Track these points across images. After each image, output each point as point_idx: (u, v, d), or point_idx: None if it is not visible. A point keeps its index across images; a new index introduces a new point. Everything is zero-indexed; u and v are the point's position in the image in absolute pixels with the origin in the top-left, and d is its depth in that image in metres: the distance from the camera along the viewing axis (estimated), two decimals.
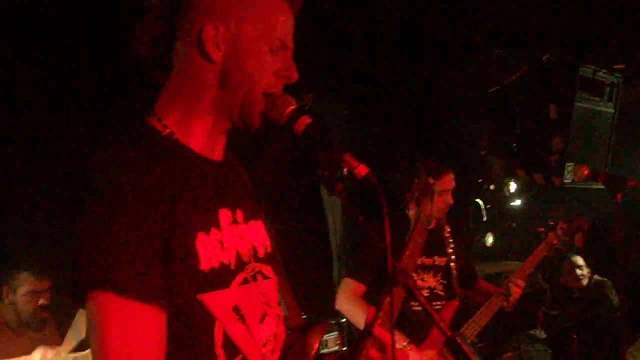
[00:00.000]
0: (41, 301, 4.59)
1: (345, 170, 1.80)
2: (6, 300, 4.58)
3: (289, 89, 1.95)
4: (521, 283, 4.80)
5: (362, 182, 1.77)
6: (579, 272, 7.47)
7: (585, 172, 4.24)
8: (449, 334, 1.84)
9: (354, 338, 5.64)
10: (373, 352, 2.04)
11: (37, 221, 4.75)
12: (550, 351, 7.31)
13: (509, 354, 7.28)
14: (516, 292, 4.76)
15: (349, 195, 1.83)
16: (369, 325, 2.03)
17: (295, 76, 1.94)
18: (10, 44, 4.47)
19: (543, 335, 7.47)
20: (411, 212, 4.55)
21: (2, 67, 4.53)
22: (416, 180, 4.33)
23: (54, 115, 4.86)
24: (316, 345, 2.07)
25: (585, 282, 7.46)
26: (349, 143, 6.83)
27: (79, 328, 4.35)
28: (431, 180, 4.11)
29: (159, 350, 1.65)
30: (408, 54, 6.10)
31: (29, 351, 4.16)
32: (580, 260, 7.51)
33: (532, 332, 7.50)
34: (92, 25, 4.34)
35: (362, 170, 1.79)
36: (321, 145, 1.82)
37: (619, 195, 4.06)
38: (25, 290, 4.55)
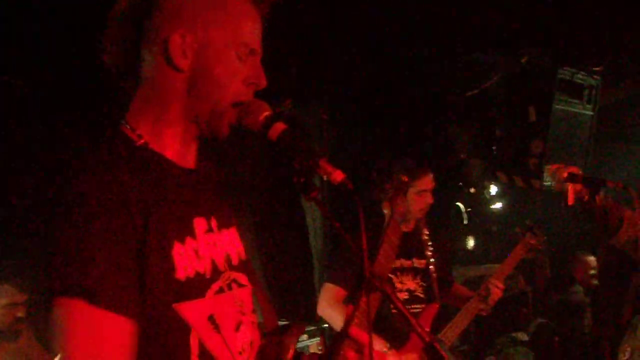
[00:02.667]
0: (19, 313, 4.58)
1: (323, 175, 1.80)
2: None
3: (267, 94, 1.93)
4: (500, 285, 4.81)
5: (338, 188, 1.77)
6: (591, 272, 7.58)
7: (564, 174, 4.24)
8: (427, 339, 1.83)
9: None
10: (350, 353, 2.03)
11: (15, 232, 4.72)
12: (532, 354, 7.33)
13: (492, 357, 7.30)
14: (495, 293, 4.77)
15: (325, 201, 1.83)
16: (345, 326, 2.02)
17: (264, 83, 1.92)
18: None
19: (525, 337, 7.49)
20: (386, 212, 4.53)
21: None
22: (390, 179, 4.32)
23: (32, 123, 4.83)
24: (292, 347, 2.06)
25: (595, 282, 7.56)
26: (327, 147, 6.83)
27: None
28: (404, 178, 4.11)
29: None
30: (387, 57, 6.10)
31: None
32: (592, 262, 7.62)
33: (514, 334, 7.52)
34: (63, 29, 4.32)
35: (338, 176, 1.78)
36: (296, 152, 1.81)
37: (597, 197, 4.07)
38: (5, 303, 4.55)
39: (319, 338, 5.70)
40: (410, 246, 4.62)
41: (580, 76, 6.54)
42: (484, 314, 4.84)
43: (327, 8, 5.02)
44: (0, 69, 4.63)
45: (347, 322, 2.06)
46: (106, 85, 1.97)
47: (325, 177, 1.81)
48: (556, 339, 7.11)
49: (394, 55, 6.05)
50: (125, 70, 1.90)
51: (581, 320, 7.40)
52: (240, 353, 1.91)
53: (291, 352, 2.06)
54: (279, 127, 1.83)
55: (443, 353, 1.81)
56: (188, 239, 1.80)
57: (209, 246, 1.88)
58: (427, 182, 4.62)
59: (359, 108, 6.96)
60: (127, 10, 1.86)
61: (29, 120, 4.86)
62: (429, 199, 4.62)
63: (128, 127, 1.86)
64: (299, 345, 5.08)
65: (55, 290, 1.59)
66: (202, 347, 1.78)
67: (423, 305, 4.63)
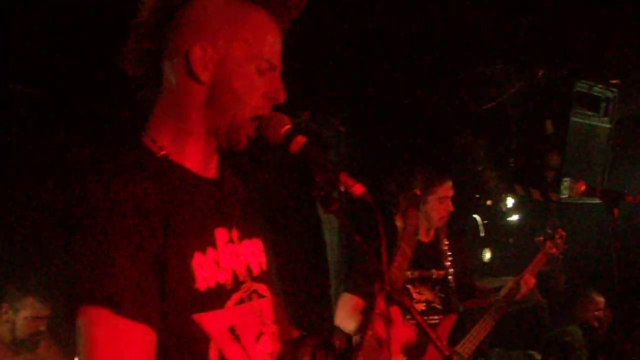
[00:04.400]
0: (41, 327, 4.60)
1: (341, 188, 1.81)
2: (3, 317, 4.58)
3: (284, 107, 1.94)
4: (532, 277, 4.80)
5: (358, 202, 1.78)
6: (596, 313, 7.39)
7: (582, 187, 4.23)
8: (446, 353, 1.83)
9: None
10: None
11: (48, 247, 4.73)
12: None
13: None
14: (529, 282, 4.76)
15: (345, 214, 1.84)
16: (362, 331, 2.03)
17: (283, 97, 1.93)
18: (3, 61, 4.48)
19: (539, 357, 7.41)
20: (398, 224, 4.52)
21: None
22: (403, 192, 4.32)
23: (51, 134, 4.86)
24: (307, 358, 2.06)
25: (596, 324, 7.38)
26: (344, 159, 6.83)
27: None
28: (417, 192, 4.12)
29: None
30: (403, 69, 6.10)
31: None
32: (601, 303, 7.42)
33: (529, 352, 7.45)
34: (83, 41, 4.35)
35: (358, 189, 1.79)
36: (317, 165, 1.82)
37: (616, 211, 4.05)
38: (28, 315, 4.57)
39: None
40: (429, 257, 4.62)
41: (597, 89, 6.52)
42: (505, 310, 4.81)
43: (345, 20, 5.03)
44: (14, 77, 4.67)
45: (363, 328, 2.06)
46: (127, 95, 1.99)
47: (343, 190, 1.82)
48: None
49: (411, 68, 6.05)
50: (145, 80, 1.93)
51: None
52: None
53: None
54: (300, 140, 1.85)
55: None
56: (209, 250, 1.82)
57: (230, 256, 1.89)
58: (448, 188, 4.62)
59: (376, 120, 6.96)
60: (149, 21, 1.88)
61: (48, 132, 4.89)
62: (449, 207, 4.62)
63: (149, 138, 1.88)
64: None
65: (79, 299, 1.60)
66: (221, 357, 1.79)
67: (440, 317, 4.62)
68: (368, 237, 1.83)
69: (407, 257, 3.82)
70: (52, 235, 4.55)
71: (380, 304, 1.91)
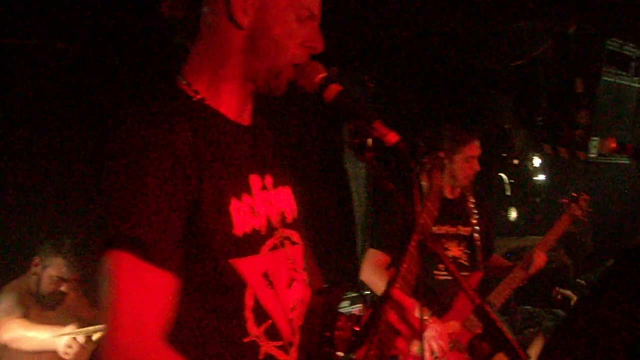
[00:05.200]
0: (63, 288, 4.64)
1: (370, 140, 1.80)
2: (33, 270, 4.63)
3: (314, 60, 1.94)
4: (543, 254, 4.79)
5: (392, 150, 1.78)
6: None
7: (612, 144, 4.16)
8: (477, 301, 1.84)
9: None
10: (392, 316, 2.05)
11: (85, 212, 4.77)
12: None
13: (531, 329, 7.27)
14: (538, 262, 4.74)
15: (378, 163, 1.84)
16: (387, 287, 2.04)
17: (321, 47, 1.93)
18: (34, 13, 4.49)
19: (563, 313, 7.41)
20: (424, 183, 4.51)
21: (25, 37, 4.56)
22: (428, 154, 4.31)
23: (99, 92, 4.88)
24: (336, 307, 2.08)
25: None
26: None
27: None
28: (441, 154, 4.11)
29: (165, 318, 1.65)
30: (433, 26, 6.06)
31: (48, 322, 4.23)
32: None
33: (554, 310, 7.45)
34: None
35: (392, 137, 1.79)
36: (351, 113, 1.82)
37: None
38: (53, 274, 4.60)
39: (361, 305, 5.70)
40: (455, 213, 4.62)
41: (628, 48, 6.45)
42: (523, 283, 4.81)
43: None
44: (45, 28, 4.67)
45: (390, 284, 2.07)
46: (164, 39, 1.98)
47: (372, 141, 1.81)
48: None
49: (441, 24, 6.01)
50: (184, 24, 1.91)
51: None
52: (292, 309, 1.94)
53: (335, 312, 2.09)
54: (335, 88, 1.85)
55: (493, 315, 1.81)
56: (244, 196, 1.83)
57: (264, 203, 1.90)
58: (475, 148, 4.60)
59: (404, 77, 6.92)
60: None
61: (86, 90, 4.90)
62: (476, 166, 4.60)
63: (185, 82, 1.88)
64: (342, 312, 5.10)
65: (108, 242, 1.62)
66: (256, 302, 1.81)
67: (466, 273, 4.62)
68: (399, 188, 1.83)
69: (432, 215, 3.83)
70: (90, 201, 4.60)
71: (412, 250, 1.92)
